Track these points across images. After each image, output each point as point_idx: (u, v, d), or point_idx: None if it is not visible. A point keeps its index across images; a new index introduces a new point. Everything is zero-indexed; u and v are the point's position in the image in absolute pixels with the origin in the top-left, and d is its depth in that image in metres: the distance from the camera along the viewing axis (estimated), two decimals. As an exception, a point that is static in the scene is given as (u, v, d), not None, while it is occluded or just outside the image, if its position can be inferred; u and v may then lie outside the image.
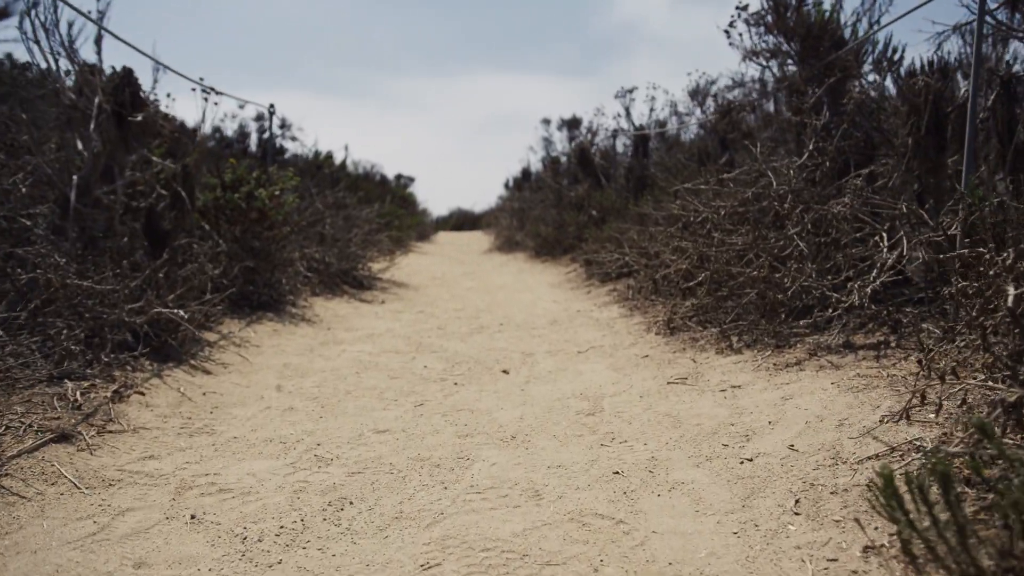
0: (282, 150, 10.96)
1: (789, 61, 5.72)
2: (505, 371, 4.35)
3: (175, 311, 3.99)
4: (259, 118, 10.90)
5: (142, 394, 3.40)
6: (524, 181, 16.96)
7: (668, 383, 3.79)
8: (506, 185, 23.42)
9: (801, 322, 4.23)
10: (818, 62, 5.24)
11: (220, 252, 5.75)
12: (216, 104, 5.55)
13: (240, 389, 3.86)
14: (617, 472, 2.59)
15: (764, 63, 6.04)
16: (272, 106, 7.52)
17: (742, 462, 2.58)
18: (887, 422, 2.63)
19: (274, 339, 5.15)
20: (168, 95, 5.64)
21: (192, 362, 4.14)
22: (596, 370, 4.25)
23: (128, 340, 3.92)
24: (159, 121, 4.45)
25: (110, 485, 2.46)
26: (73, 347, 3.47)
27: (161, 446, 2.89)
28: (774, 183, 4.45)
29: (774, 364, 3.79)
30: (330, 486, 2.54)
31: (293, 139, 10.72)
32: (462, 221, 28.71)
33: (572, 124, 15.60)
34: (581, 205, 10.84)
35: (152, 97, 5.39)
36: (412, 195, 20.65)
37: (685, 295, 5.39)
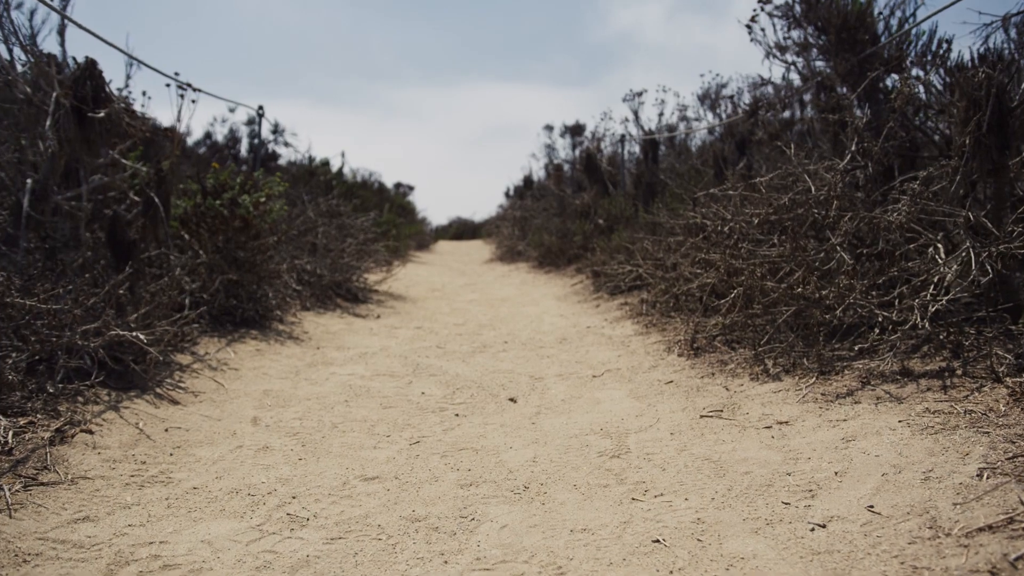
0: (275, 156, 10.49)
1: (820, 57, 5.26)
2: (512, 399, 3.86)
3: (133, 334, 3.50)
4: (250, 122, 10.43)
5: (90, 432, 2.91)
6: (526, 189, 16.51)
7: (701, 416, 3.30)
8: (506, 194, 23.00)
9: (844, 344, 3.75)
10: (853, 56, 4.77)
11: (200, 264, 5.27)
12: (194, 102, 5.08)
13: (210, 423, 3.37)
14: (657, 540, 2.10)
15: (791, 60, 5.58)
16: (261, 108, 7.06)
17: (812, 529, 2.09)
18: (988, 477, 2.14)
19: (256, 360, 4.66)
20: (144, 93, 5.18)
21: (159, 390, 3.65)
22: (615, 398, 3.77)
23: (87, 366, 3.43)
24: (125, 119, 3.97)
25: (24, 562, 1.97)
26: (12, 376, 2.98)
27: (101, 502, 2.40)
28: (812, 187, 3.98)
29: (822, 395, 3.30)
30: (302, 559, 2.05)
31: (287, 145, 10.27)
32: (462, 230, 28.27)
33: (575, 130, 15.16)
34: (587, 213, 10.37)
35: (126, 93, 4.93)
36: (411, 203, 20.21)
37: (708, 312, 4.91)
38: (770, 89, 5.14)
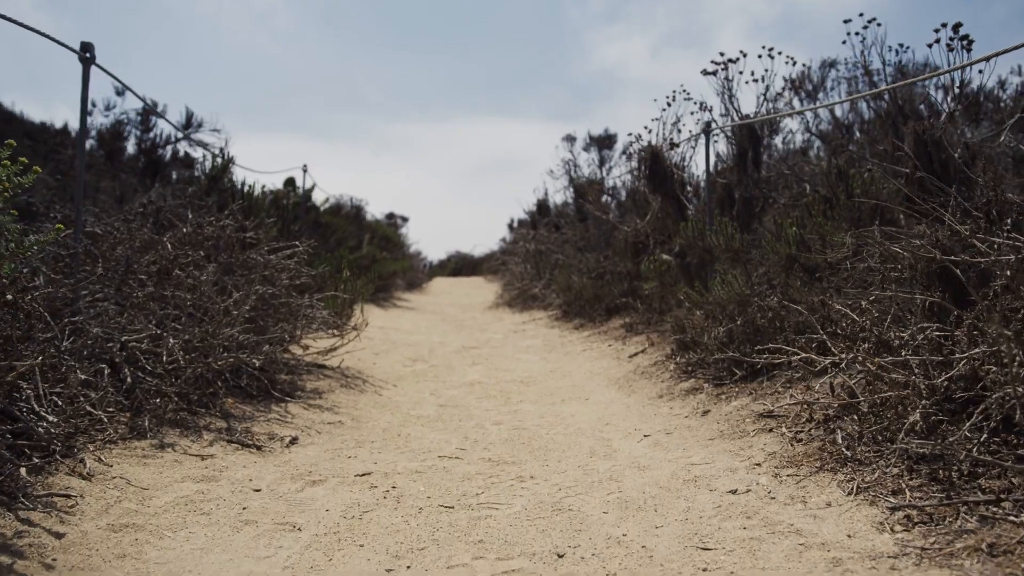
0: (188, 161, 7.22)
1: None
2: None
3: None
4: (147, 113, 7.15)
5: None
6: (540, 216, 13.24)
7: None
8: (510, 226, 19.83)
9: None
10: None
11: None
12: None
13: None
14: None
15: None
16: (88, 47, 3.80)
17: None
18: None
19: None
20: None
21: None
22: None
23: None
24: None
25: None
26: None
27: None
28: None
29: None
30: None
31: (204, 146, 6.96)
32: (460, 265, 25.26)
33: (603, 142, 11.98)
34: (643, 244, 7.07)
35: None
36: (399, 235, 16.97)
37: None
38: None
